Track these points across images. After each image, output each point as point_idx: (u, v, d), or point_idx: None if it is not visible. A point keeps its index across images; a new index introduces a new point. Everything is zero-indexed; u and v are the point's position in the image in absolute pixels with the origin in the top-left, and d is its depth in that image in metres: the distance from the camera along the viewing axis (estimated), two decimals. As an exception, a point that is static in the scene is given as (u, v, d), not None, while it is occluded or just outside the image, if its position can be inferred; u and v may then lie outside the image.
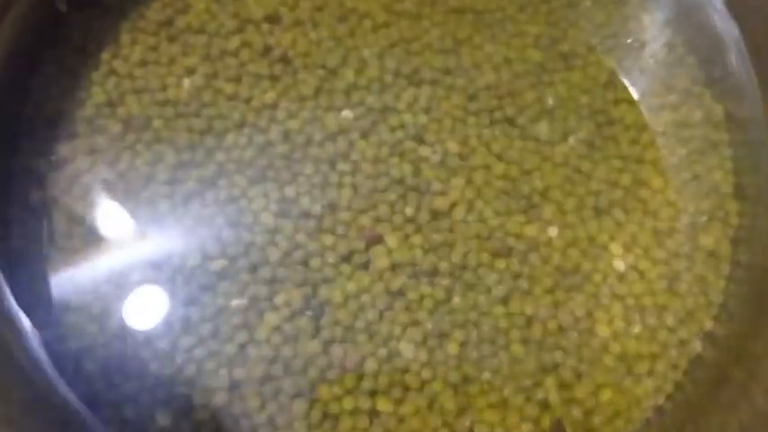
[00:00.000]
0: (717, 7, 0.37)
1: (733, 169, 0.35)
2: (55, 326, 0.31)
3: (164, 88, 0.34)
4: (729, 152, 0.36)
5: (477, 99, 0.35)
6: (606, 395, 0.31)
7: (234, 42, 0.35)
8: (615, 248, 0.34)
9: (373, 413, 0.30)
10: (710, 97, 0.36)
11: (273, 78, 0.35)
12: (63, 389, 0.31)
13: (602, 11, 0.38)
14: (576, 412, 0.31)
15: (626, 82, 0.37)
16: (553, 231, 0.33)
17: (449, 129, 0.35)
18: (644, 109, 0.36)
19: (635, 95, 0.36)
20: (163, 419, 0.30)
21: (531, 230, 0.33)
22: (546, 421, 0.31)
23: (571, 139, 0.35)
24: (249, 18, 0.35)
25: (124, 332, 0.31)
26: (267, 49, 0.35)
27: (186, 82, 0.34)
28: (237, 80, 0.35)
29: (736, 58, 0.36)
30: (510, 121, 0.35)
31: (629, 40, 0.37)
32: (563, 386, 0.31)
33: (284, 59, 0.35)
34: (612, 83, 0.36)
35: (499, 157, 0.34)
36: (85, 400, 0.30)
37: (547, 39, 0.37)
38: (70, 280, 0.32)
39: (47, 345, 0.31)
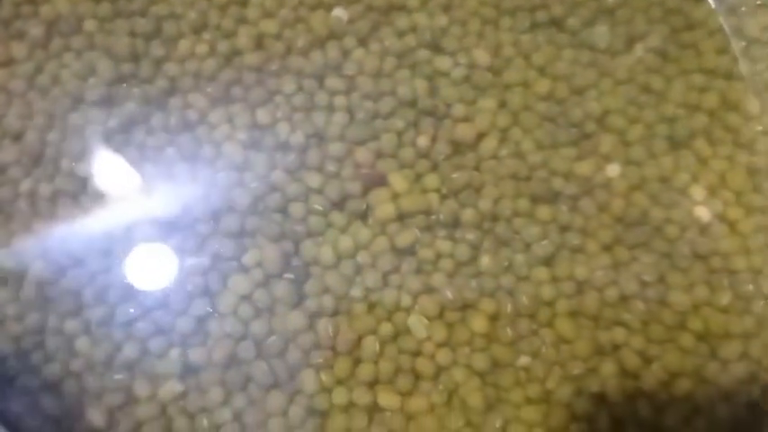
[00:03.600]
0: None
1: None
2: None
3: (98, -22, 0.32)
4: None
5: (513, -6, 0.34)
6: (683, 386, 0.29)
7: None
8: (697, 192, 0.31)
9: (373, 409, 0.28)
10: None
11: (243, -35, 0.33)
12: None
13: None
14: (644, 409, 0.29)
15: (710, -30, 0.35)
16: (613, 170, 0.31)
17: (475, 33, 0.32)
18: (733, 7, 0.34)
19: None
20: (94, 416, 0.28)
21: (584, 168, 0.31)
22: (603, 421, 0.28)
23: (638, 48, 0.33)
24: None
25: (44, 300, 0.29)
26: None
27: (128, -29, 0.32)
28: (196, -32, 0.33)
29: None
30: (557, 24, 0.33)
31: None
32: (626, 374, 0.29)
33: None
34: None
35: (542, 72, 0.32)
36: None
37: None
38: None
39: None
